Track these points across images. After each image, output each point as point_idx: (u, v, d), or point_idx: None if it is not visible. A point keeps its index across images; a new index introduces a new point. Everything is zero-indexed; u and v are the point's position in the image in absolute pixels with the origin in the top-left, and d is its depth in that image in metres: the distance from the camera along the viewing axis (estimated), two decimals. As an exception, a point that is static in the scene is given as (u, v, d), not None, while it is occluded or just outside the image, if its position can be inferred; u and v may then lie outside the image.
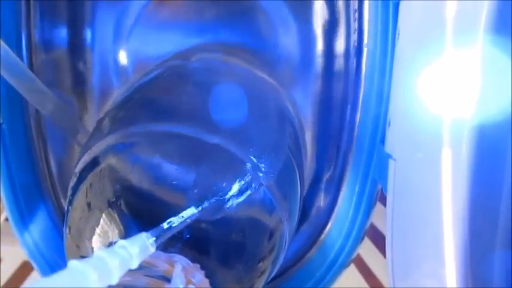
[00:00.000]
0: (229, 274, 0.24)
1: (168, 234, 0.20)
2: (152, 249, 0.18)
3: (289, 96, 0.36)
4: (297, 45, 0.36)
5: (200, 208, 0.21)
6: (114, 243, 0.21)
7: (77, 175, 0.25)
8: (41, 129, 0.36)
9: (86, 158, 0.25)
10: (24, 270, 0.41)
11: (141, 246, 0.18)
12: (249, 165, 0.24)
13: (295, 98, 0.36)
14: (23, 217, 0.33)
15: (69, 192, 0.25)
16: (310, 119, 0.36)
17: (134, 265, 0.17)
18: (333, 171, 0.36)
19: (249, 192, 0.24)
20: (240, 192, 0.23)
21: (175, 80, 0.32)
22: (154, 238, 0.19)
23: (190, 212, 0.21)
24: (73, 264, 0.15)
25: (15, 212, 0.33)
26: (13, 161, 0.33)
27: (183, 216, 0.20)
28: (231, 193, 0.23)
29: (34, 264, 0.34)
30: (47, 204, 0.36)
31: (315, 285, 0.34)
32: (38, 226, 0.34)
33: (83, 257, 0.23)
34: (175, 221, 0.20)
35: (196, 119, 0.26)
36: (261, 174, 0.24)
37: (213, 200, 0.22)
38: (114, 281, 0.16)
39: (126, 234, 0.22)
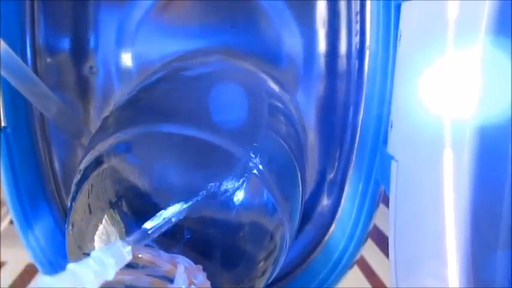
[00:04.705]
0: (230, 274, 0.24)
1: (145, 240, 0.19)
2: (129, 257, 0.18)
3: (292, 99, 0.36)
4: (299, 48, 0.36)
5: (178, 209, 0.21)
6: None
7: (81, 172, 0.25)
8: (45, 132, 0.36)
9: (90, 157, 0.25)
10: (28, 272, 0.41)
11: (116, 257, 0.18)
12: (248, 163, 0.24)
13: (298, 100, 0.36)
14: (27, 219, 0.34)
15: (73, 189, 0.25)
16: (313, 120, 0.36)
17: (110, 276, 0.17)
18: (335, 172, 0.36)
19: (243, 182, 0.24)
20: (233, 181, 0.23)
21: (178, 81, 0.32)
22: (130, 247, 0.18)
23: (171, 211, 0.21)
24: (45, 280, 0.15)
25: (19, 213, 0.33)
26: (18, 163, 0.33)
27: (158, 220, 0.20)
28: (225, 186, 0.23)
29: (38, 266, 0.34)
30: (51, 206, 0.36)
31: (319, 286, 0.34)
32: (42, 228, 0.34)
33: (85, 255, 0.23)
34: (151, 225, 0.20)
35: (199, 121, 0.26)
36: (252, 165, 0.24)
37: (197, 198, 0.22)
38: None
39: (128, 234, 0.22)
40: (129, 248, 0.18)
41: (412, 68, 0.25)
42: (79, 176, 0.25)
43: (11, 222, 0.34)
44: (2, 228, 0.43)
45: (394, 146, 0.27)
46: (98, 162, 0.25)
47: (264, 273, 0.26)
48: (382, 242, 0.38)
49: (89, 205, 0.24)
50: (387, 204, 0.27)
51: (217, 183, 0.23)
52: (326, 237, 0.36)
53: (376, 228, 0.34)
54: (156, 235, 0.20)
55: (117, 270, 0.17)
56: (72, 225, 0.25)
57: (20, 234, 0.33)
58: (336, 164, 0.36)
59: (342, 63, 0.36)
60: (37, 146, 0.36)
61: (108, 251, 0.18)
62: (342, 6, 0.35)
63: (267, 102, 0.32)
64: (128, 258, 0.18)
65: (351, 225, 0.33)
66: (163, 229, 0.20)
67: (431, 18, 0.22)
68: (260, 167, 0.25)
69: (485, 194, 0.19)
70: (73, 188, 0.26)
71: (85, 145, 0.32)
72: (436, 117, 0.21)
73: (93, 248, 0.23)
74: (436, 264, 0.20)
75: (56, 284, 0.15)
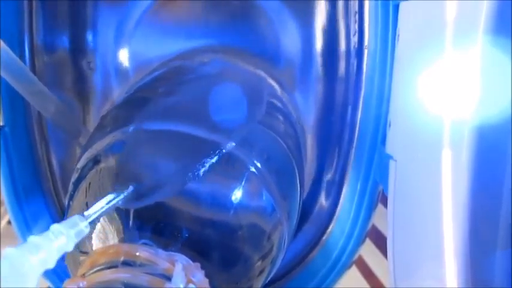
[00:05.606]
0: (227, 273, 0.24)
1: (101, 214, 0.20)
2: (87, 231, 0.19)
3: (291, 98, 0.36)
4: (297, 47, 0.36)
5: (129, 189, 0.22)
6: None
7: (79, 171, 0.25)
8: (43, 131, 0.36)
9: (87, 156, 0.25)
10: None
11: (75, 230, 0.18)
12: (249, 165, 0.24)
13: (296, 99, 0.36)
14: (25, 219, 0.34)
15: (71, 188, 0.25)
16: (311, 120, 0.36)
17: (70, 248, 0.18)
18: (334, 172, 0.36)
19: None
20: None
21: (176, 80, 0.32)
22: (87, 221, 0.19)
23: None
24: (9, 251, 0.15)
25: (17, 214, 0.33)
26: (15, 163, 0.33)
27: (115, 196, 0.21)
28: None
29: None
30: (49, 206, 0.36)
31: (318, 286, 0.34)
32: (40, 227, 0.34)
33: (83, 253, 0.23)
34: (107, 200, 0.20)
35: (197, 119, 0.26)
36: (250, 163, 0.24)
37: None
38: (51, 265, 0.17)
39: (125, 233, 0.22)
40: (86, 222, 0.19)
41: (411, 68, 0.25)
42: (76, 175, 0.25)
43: (9, 222, 0.34)
44: (1, 228, 0.43)
45: (392, 145, 0.27)
46: (95, 161, 0.25)
47: (262, 272, 0.26)
48: (381, 242, 0.38)
49: (86, 204, 0.24)
50: (385, 204, 0.27)
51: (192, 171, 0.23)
52: (324, 237, 0.36)
53: (374, 228, 0.34)
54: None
55: (76, 242, 0.18)
56: None
57: (18, 234, 0.33)
58: (335, 163, 0.36)
59: (340, 63, 0.36)
60: (35, 145, 0.36)
61: (66, 223, 0.18)
62: (340, 6, 0.35)
63: (266, 101, 0.32)
64: (86, 231, 0.19)
65: (349, 224, 0.33)
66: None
67: (429, 18, 0.22)
68: (258, 165, 0.25)
69: (484, 194, 0.19)
70: (71, 187, 0.26)
71: (83, 144, 0.32)
72: (434, 117, 0.21)
73: (91, 247, 0.23)
74: (435, 264, 0.20)
75: (20, 254, 0.16)
